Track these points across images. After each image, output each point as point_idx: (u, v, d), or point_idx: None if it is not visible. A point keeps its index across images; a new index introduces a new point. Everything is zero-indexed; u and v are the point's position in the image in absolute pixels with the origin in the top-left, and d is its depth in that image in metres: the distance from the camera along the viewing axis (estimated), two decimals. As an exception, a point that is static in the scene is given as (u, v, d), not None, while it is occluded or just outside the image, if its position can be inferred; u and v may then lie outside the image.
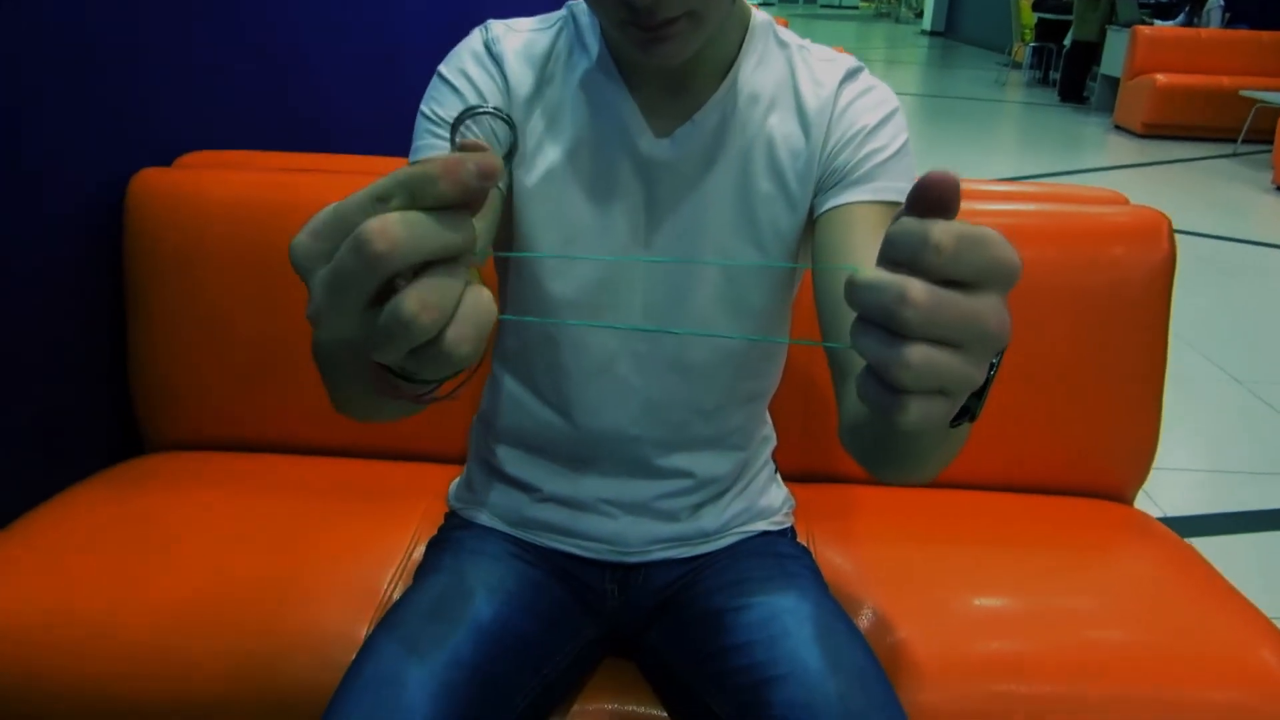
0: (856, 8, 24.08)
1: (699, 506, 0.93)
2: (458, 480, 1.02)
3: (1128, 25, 7.71)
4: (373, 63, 2.08)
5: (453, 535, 0.95)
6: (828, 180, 0.79)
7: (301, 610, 1.01)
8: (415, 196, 0.36)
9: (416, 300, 0.35)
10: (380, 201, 0.36)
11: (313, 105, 1.85)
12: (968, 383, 0.37)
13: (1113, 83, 7.79)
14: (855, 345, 0.37)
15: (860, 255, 0.73)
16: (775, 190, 0.81)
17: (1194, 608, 1.03)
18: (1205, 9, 7.72)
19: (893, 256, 0.36)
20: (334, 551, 1.09)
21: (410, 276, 0.36)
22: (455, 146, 0.38)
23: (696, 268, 0.82)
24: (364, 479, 1.26)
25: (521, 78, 0.80)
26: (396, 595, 1.01)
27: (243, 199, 1.28)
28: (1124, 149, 6.73)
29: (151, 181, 1.29)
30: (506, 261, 0.87)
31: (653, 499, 0.91)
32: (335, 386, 0.63)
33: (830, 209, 0.78)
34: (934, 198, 0.35)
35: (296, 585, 1.04)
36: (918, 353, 0.35)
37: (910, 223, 0.36)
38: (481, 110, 0.43)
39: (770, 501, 0.99)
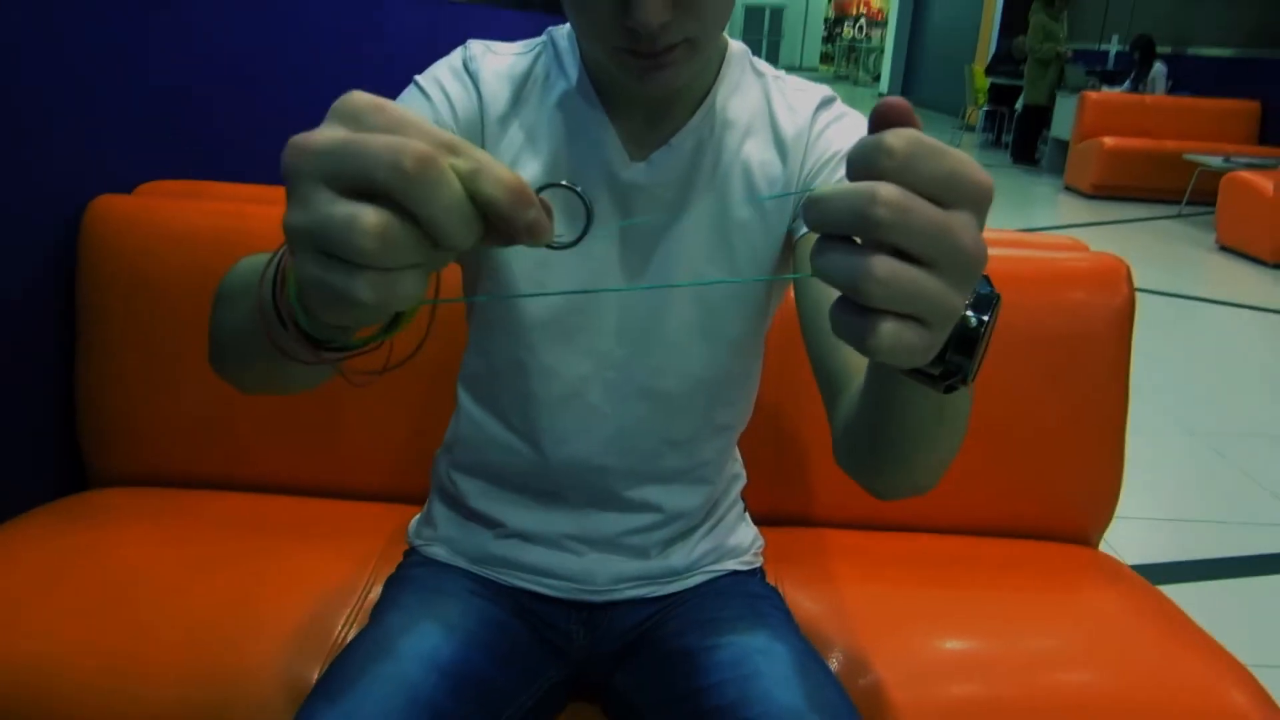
0: (815, 69, 24.71)
1: (668, 543, 0.91)
2: (418, 516, 0.99)
3: (1076, 91, 7.99)
4: (340, 94, 2.07)
5: (412, 572, 0.92)
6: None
7: (251, 654, 0.97)
8: (473, 177, 0.35)
9: (379, 224, 0.34)
10: (447, 150, 0.35)
11: (277, 136, 1.83)
12: (943, 306, 0.36)
13: (1062, 145, 8.04)
14: (818, 268, 0.36)
15: None
16: (751, 216, 0.81)
17: (1163, 650, 1.03)
18: (1150, 76, 8.02)
19: (850, 174, 0.36)
20: (286, 592, 1.05)
21: (393, 209, 0.34)
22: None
23: (670, 298, 0.81)
24: (320, 518, 1.22)
25: (496, 96, 0.80)
26: (351, 637, 0.97)
27: (200, 228, 1.25)
28: (1074, 208, 6.92)
29: (107, 208, 1.26)
30: (476, 279, 0.86)
31: (621, 534, 0.89)
32: (224, 330, 0.60)
33: (809, 231, 0.77)
34: (890, 119, 0.36)
35: (246, 627, 1.00)
36: (886, 264, 0.35)
37: (865, 137, 0.36)
38: (567, 186, 0.44)
39: (740, 540, 0.97)
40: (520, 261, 0.81)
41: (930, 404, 0.52)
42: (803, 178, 0.80)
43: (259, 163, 1.73)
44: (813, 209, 0.36)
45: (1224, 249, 5.59)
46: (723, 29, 0.72)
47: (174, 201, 1.30)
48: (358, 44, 2.18)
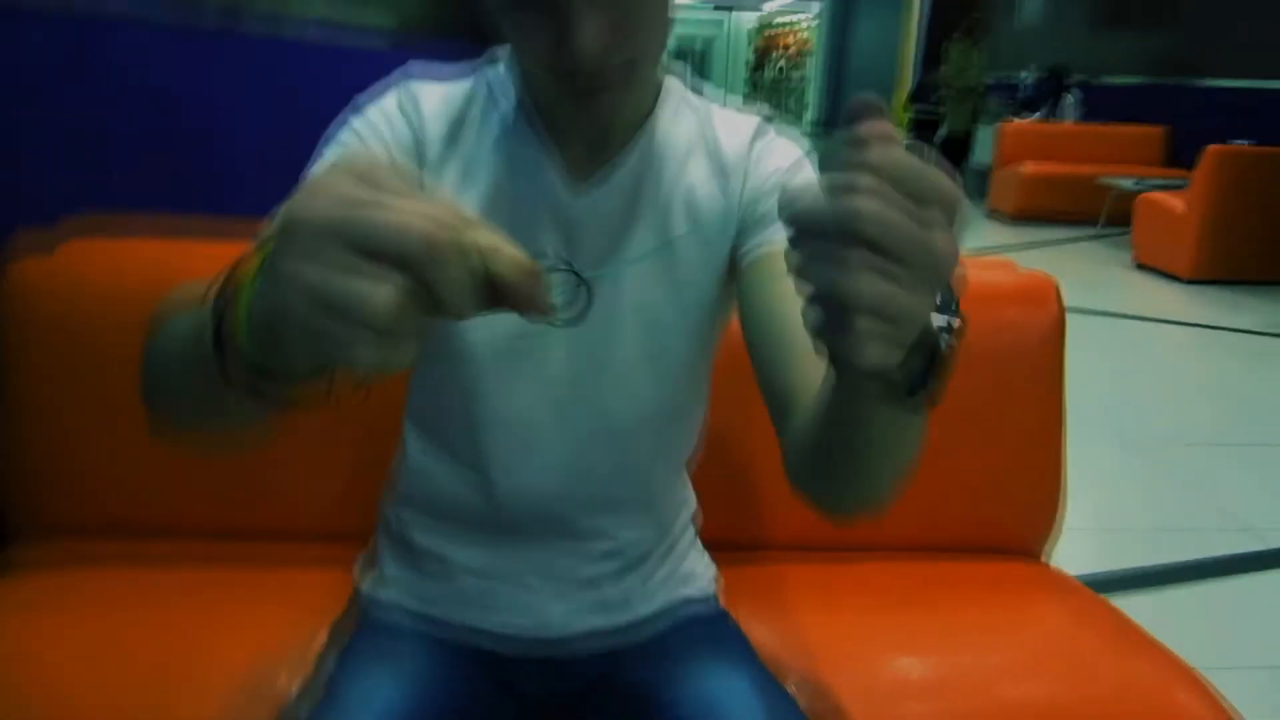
0: (741, 106, 25.11)
1: (621, 574, 0.89)
2: (363, 557, 0.96)
3: (994, 120, 8.26)
4: (274, 120, 2.04)
5: (359, 618, 0.89)
6: (747, 226, 0.80)
7: (189, 713, 0.92)
8: (493, 256, 0.36)
9: (397, 298, 0.34)
10: (468, 226, 0.36)
11: (209, 163, 1.80)
12: (914, 306, 0.37)
13: (984, 172, 8.29)
14: (795, 269, 0.37)
15: (790, 294, 0.72)
16: (693, 238, 0.81)
17: (1113, 658, 1.04)
18: (1062, 104, 8.34)
19: (825, 168, 0.37)
20: (225, 647, 1.01)
21: (408, 280, 0.35)
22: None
23: (616, 324, 0.81)
24: (260, 562, 1.18)
25: (435, 125, 0.79)
26: (296, 689, 0.94)
27: (130, 267, 1.21)
28: (999, 233, 7.12)
29: (31, 246, 1.21)
30: None
31: (573, 566, 0.87)
32: (156, 361, 0.58)
33: (754, 252, 0.78)
34: (860, 113, 0.37)
35: (183, 684, 0.95)
36: (863, 257, 0.35)
37: (842, 133, 0.37)
38: (567, 269, 0.47)
39: (694, 568, 0.96)
40: None
41: (888, 420, 0.52)
42: (742, 201, 0.81)
43: (193, 191, 1.69)
44: (790, 203, 0.36)
45: (1141, 267, 5.81)
46: (661, 53, 0.72)
47: (101, 239, 1.26)
48: (278, 84, 2.15)
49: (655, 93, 0.82)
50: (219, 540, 1.23)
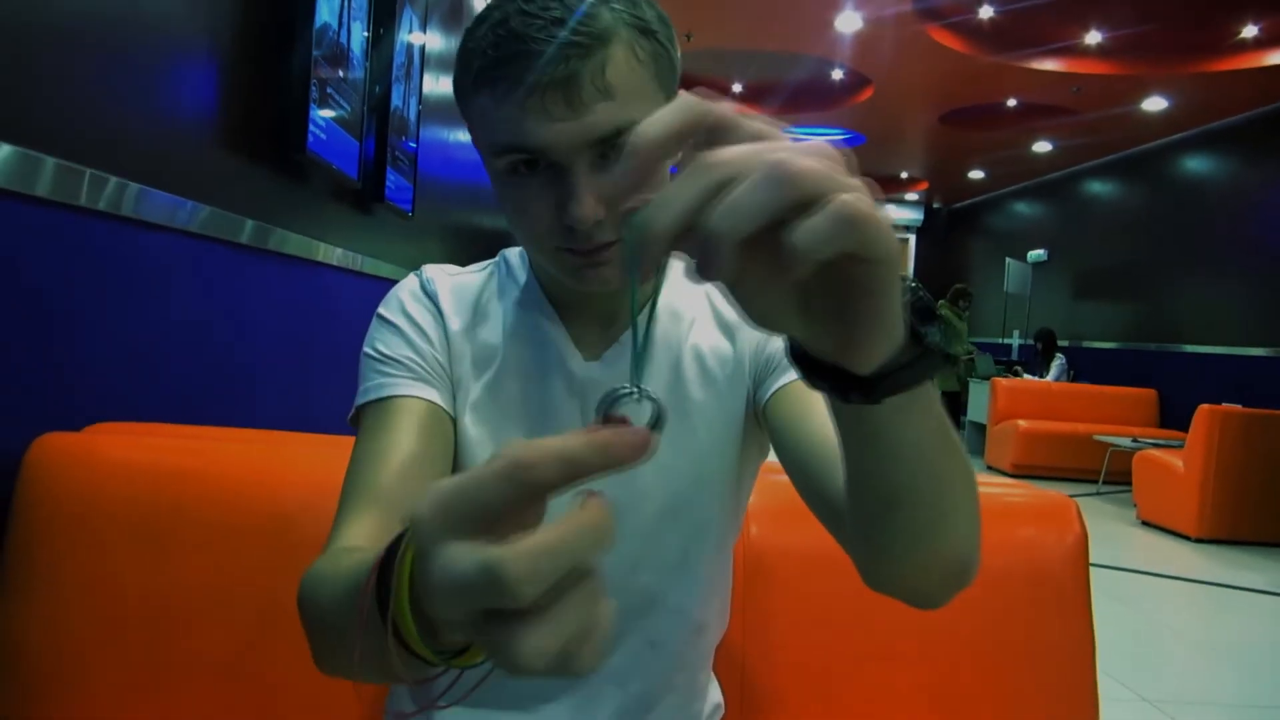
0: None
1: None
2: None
3: (986, 378, 8.52)
4: (296, 344, 2.11)
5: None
6: (763, 372, 0.83)
7: None
8: (553, 473, 0.38)
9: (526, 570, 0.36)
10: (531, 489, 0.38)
11: (232, 381, 1.83)
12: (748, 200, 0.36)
13: (980, 428, 8.43)
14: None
15: (823, 415, 0.73)
16: (709, 398, 0.83)
17: None
18: (1051, 365, 8.65)
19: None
20: None
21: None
22: (599, 421, 0.39)
23: (637, 481, 0.80)
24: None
25: (455, 312, 0.84)
26: None
27: (146, 466, 1.21)
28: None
29: (54, 446, 1.22)
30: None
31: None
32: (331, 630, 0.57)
33: (777, 390, 0.80)
34: None
35: None
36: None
37: None
38: (623, 392, 0.47)
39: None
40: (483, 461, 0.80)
41: (916, 427, 0.51)
42: (754, 351, 0.84)
43: (217, 408, 1.72)
44: (642, 132, 0.38)
45: (1146, 524, 5.76)
46: None
47: (121, 438, 1.27)
48: (301, 303, 2.25)
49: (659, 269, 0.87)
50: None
